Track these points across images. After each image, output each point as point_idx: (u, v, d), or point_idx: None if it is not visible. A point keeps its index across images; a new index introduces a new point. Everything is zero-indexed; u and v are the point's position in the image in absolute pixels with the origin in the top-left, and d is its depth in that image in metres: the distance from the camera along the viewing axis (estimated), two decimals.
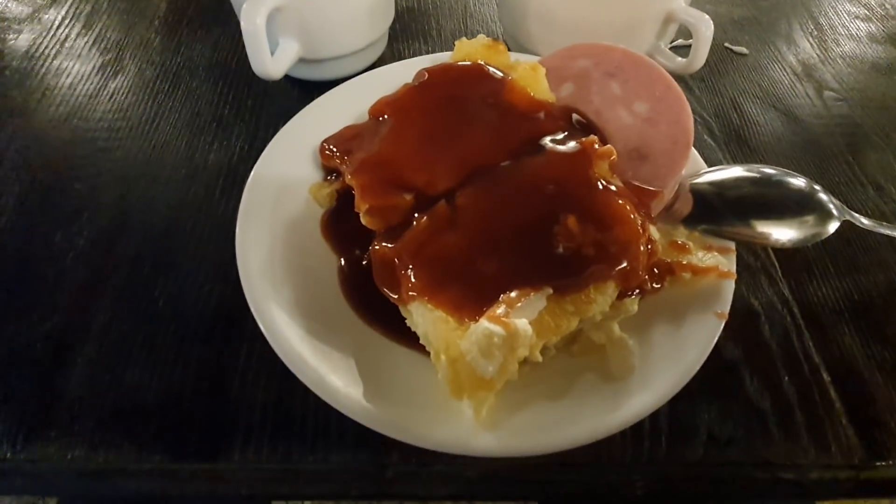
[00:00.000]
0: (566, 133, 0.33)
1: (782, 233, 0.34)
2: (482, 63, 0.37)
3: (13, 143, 0.44)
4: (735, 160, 0.44)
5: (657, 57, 0.43)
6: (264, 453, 0.30)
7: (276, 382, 0.32)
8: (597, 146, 0.31)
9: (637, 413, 0.27)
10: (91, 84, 0.49)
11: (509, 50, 0.38)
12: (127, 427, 0.31)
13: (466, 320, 0.25)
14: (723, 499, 0.31)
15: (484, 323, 0.24)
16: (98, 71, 0.50)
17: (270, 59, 0.39)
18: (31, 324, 0.34)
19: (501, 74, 0.36)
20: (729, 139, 0.45)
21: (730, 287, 0.31)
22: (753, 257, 0.38)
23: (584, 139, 0.32)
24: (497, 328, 0.24)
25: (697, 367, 0.28)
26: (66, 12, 0.56)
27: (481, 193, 0.30)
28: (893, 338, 0.34)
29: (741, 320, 0.35)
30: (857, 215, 0.34)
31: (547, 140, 0.32)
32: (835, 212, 0.34)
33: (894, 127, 0.47)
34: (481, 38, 0.39)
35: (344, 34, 0.43)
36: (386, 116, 0.35)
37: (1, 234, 0.39)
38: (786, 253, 0.38)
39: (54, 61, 0.51)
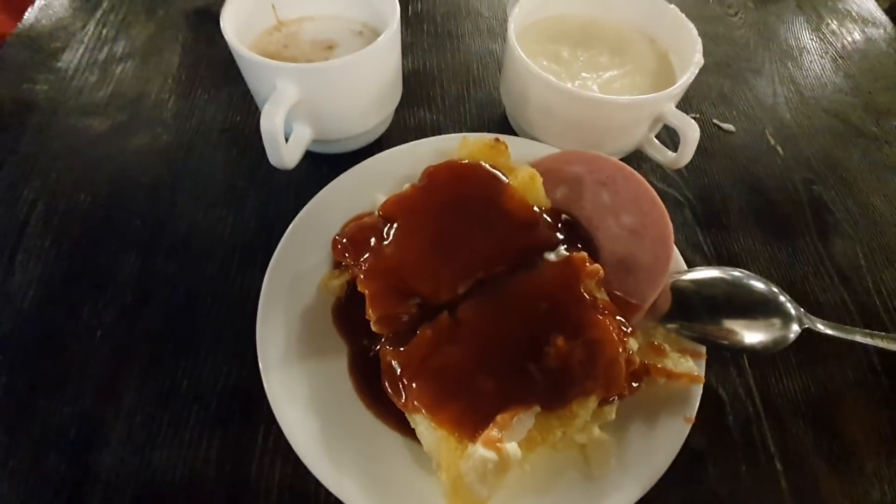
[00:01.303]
0: (560, 245, 0.36)
1: (752, 335, 0.38)
2: (483, 164, 0.40)
3: (36, 209, 0.46)
4: (713, 243, 0.47)
5: (647, 149, 0.46)
6: None
7: (290, 466, 0.36)
8: (587, 264, 0.34)
9: None
10: (109, 146, 0.51)
11: (509, 127, 0.41)
12: None
13: (465, 440, 0.29)
14: None
15: (479, 450, 0.28)
16: (116, 131, 0.52)
17: (286, 149, 0.41)
18: (64, 402, 0.37)
19: (502, 178, 0.39)
20: (710, 223, 0.49)
21: (698, 392, 0.35)
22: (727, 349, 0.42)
23: (575, 255, 0.35)
24: (491, 454, 0.28)
25: (665, 468, 0.32)
26: (80, 60, 0.58)
27: (480, 308, 0.34)
28: (840, 430, 0.39)
29: (709, 409, 0.39)
30: (815, 320, 0.38)
31: (542, 253, 0.35)
32: (794, 314, 0.38)
33: (863, 214, 0.50)
34: (484, 137, 0.41)
35: (353, 120, 0.46)
36: (395, 220, 0.38)
37: (30, 314, 0.41)
38: None
39: (70, 117, 0.53)
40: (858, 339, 0.38)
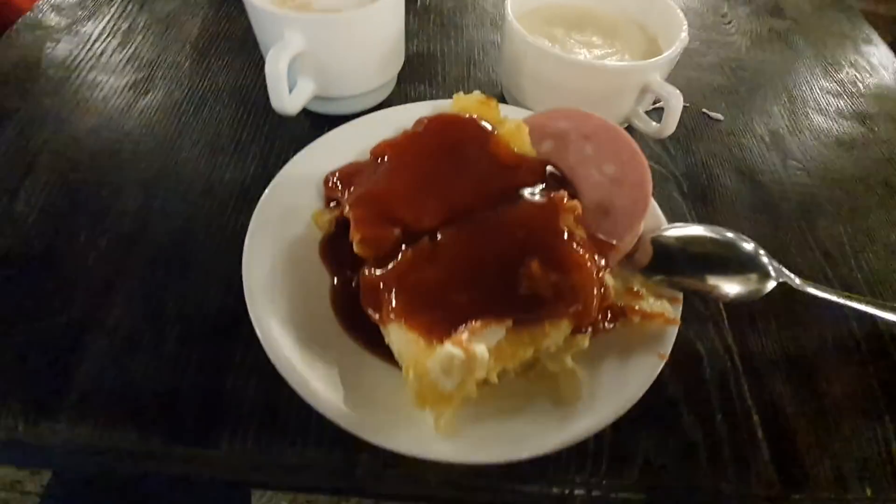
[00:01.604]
0: (541, 186, 0.38)
1: (729, 287, 0.38)
2: (474, 117, 0.42)
3: (46, 148, 0.49)
4: (699, 217, 0.49)
5: (634, 120, 0.48)
6: (249, 444, 0.34)
7: (265, 383, 0.36)
8: (565, 200, 0.36)
9: (580, 434, 0.31)
10: (122, 99, 0.54)
11: (505, 102, 0.44)
12: (130, 412, 0.34)
13: (434, 342, 0.30)
14: None
15: (447, 346, 0.28)
16: (130, 88, 0.55)
17: (288, 97, 0.44)
18: (52, 313, 0.38)
19: (490, 128, 0.41)
20: (696, 198, 0.50)
21: (673, 332, 0.35)
22: (704, 307, 0.42)
23: (554, 193, 0.36)
24: (458, 351, 0.28)
25: (637, 399, 0.32)
26: (104, 27, 0.62)
27: (460, 234, 0.35)
28: (819, 389, 0.38)
29: (686, 361, 0.39)
30: (792, 276, 0.39)
31: (523, 191, 0.37)
32: (772, 273, 0.38)
33: (847, 199, 0.52)
34: (476, 94, 0.44)
35: (356, 78, 0.48)
36: (385, 157, 0.39)
37: (30, 231, 0.43)
38: (734, 305, 0.42)
39: (89, 74, 0.56)
40: (835, 298, 0.39)
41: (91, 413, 0.34)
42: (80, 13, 0.63)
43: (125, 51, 0.59)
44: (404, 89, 0.58)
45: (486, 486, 0.34)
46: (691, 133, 0.56)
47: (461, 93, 0.44)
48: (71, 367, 0.36)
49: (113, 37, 0.61)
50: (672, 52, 0.44)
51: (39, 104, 0.53)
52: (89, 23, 0.62)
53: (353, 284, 0.38)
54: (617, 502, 0.34)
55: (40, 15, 0.62)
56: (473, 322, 0.30)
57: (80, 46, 0.59)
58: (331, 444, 0.34)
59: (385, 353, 0.34)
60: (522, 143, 0.40)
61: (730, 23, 0.72)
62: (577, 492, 0.33)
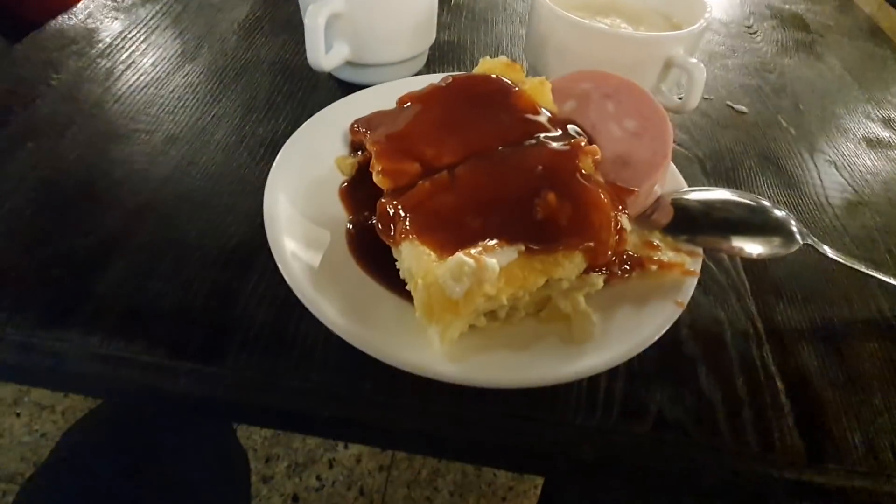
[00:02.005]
0: (561, 134, 0.38)
1: (751, 247, 0.37)
2: (499, 76, 0.43)
3: (93, 98, 0.52)
4: None
5: (657, 96, 0.49)
6: (253, 363, 0.33)
7: (274, 309, 0.36)
8: (583, 144, 0.36)
9: (588, 368, 0.30)
10: (170, 64, 0.57)
11: (527, 76, 0.45)
12: (141, 324, 0.35)
13: (445, 255, 0.29)
14: (663, 478, 0.32)
15: (458, 255, 0.28)
16: (178, 56, 0.59)
17: (324, 54, 0.46)
18: (80, 233, 0.40)
19: (514, 85, 0.42)
20: (718, 178, 0.50)
21: (692, 283, 0.34)
22: (725, 276, 0.41)
23: (574, 139, 0.37)
24: (469, 260, 0.28)
25: (651, 340, 0.31)
26: (159, 9, 0.66)
27: (478, 168, 0.35)
28: (848, 361, 0.36)
29: (705, 324, 0.38)
30: (818, 242, 0.37)
31: (542, 135, 0.37)
32: (799, 237, 0.37)
33: (879, 192, 0.50)
34: (502, 58, 0.45)
35: (388, 45, 0.51)
36: (409, 104, 0.41)
37: (72, 164, 0.45)
38: (757, 276, 0.41)
39: (142, 44, 0.60)
40: (862, 268, 0.37)
41: (103, 324, 0.35)
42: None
43: (176, 27, 0.64)
44: (433, 70, 0.60)
45: (490, 424, 0.32)
46: (715, 123, 0.56)
47: (487, 57, 0.45)
48: (91, 281, 0.37)
49: (165, 16, 0.65)
50: (696, 27, 0.45)
51: (94, 63, 0.56)
52: (146, 6, 0.67)
53: (369, 222, 0.38)
54: (627, 455, 0.32)
55: None
56: (486, 241, 0.30)
57: (136, 23, 0.64)
58: (335, 371, 0.34)
59: (397, 286, 0.34)
60: (545, 100, 0.41)
61: (755, 33, 0.73)
62: (583, 441, 0.32)
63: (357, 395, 0.33)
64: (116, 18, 0.64)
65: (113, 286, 0.37)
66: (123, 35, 0.61)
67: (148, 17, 0.65)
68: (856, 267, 0.37)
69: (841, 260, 0.37)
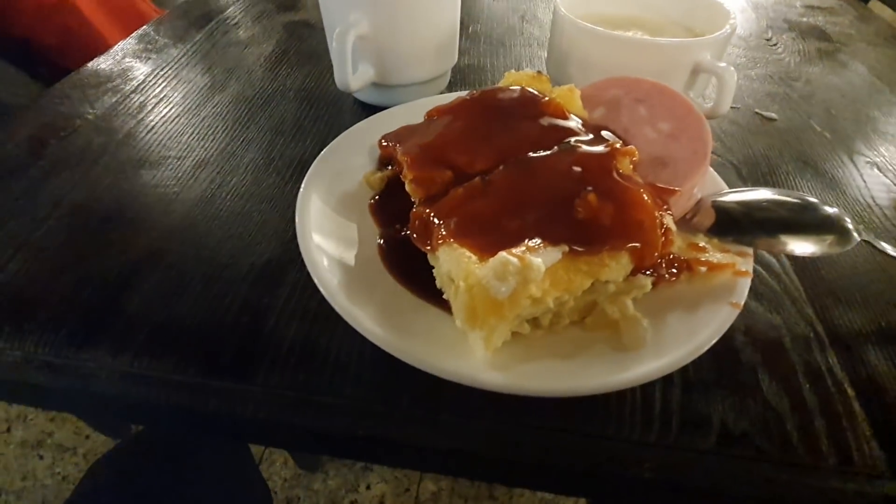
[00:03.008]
0: (594, 137, 0.37)
1: (803, 247, 0.35)
2: (526, 88, 0.43)
3: (126, 129, 0.54)
4: None
5: None
6: (285, 381, 0.32)
7: (306, 325, 0.35)
8: (618, 146, 0.35)
9: (642, 376, 0.28)
10: (200, 96, 0.59)
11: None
12: (171, 343, 0.34)
13: (487, 257, 0.28)
14: (736, 500, 0.29)
15: (502, 254, 0.27)
16: (208, 88, 0.61)
17: (352, 75, 0.47)
18: (111, 255, 0.40)
19: (542, 94, 0.41)
20: (757, 182, 0.48)
21: (745, 283, 0.32)
22: (776, 281, 0.39)
23: (609, 141, 0.36)
24: (513, 259, 0.27)
25: (707, 346, 0.29)
26: (189, 48, 0.69)
27: (513, 172, 0.34)
28: None
29: (762, 330, 0.35)
30: (878, 240, 0.35)
31: (575, 140, 0.36)
32: (854, 233, 0.35)
33: None
34: (528, 70, 0.45)
35: (412, 65, 0.51)
36: (438, 117, 0.41)
37: (104, 189, 0.46)
38: (811, 279, 0.39)
39: (173, 80, 0.62)
40: None
41: (133, 343, 0.34)
42: (170, 38, 0.72)
43: (205, 64, 0.66)
44: (455, 91, 0.60)
45: (536, 442, 0.30)
46: (745, 130, 0.55)
47: (512, 70, 0.46)
48: (121, 301, 0.36)
49: (195, 54, 0.68)
50: (723, 32, 0.45)
51: (127, 98, 0.58)
52: (178, 45, 0.70)
53: (402, 234, 0.37)
54: (693, 473, 0.29)
55: (139, 37, 0.71)
56: (528, 242, 0.29)
57: (168, 61, 0.66)
58: (370, 385, 0.32)
59: (432, 295, 0.33)
60: (575, 106, 0.40)
61: (776, 45, 0.73)
62: (643, 458, 0.29)
63: (393, 411, 0.31)
64: (149, 58, 0.67)
65: (143, 305, 0.36)
66: (155, 73, 0.64)
67: (179, 56, 0.68)
68: None
69: None
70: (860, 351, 0.34)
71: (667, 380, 0.32)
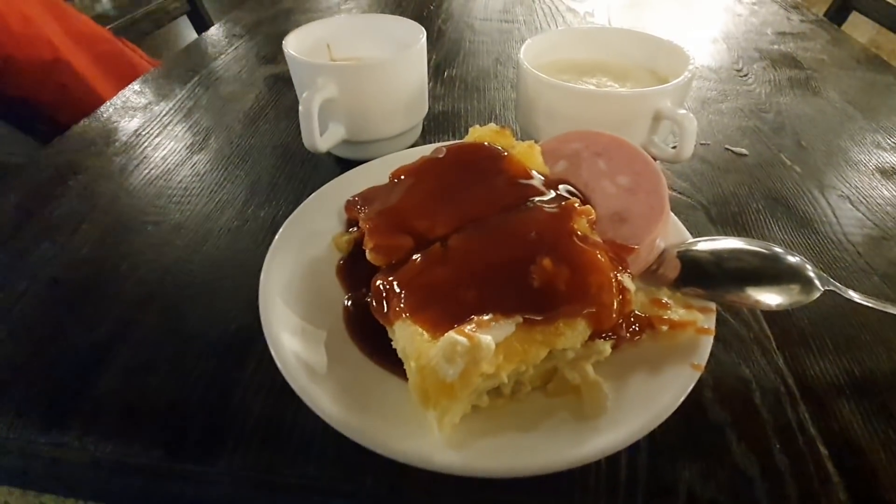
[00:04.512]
0: (554, 195, 0.38)
1: (767, 298, 0.35)
2: (488, 143, 0.43)
3: (108, 194, 0.55)
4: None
5: (650, 148, 0.49)
6: (249, 460, 0.32)
7: (272, 399, 0.35)
8: (577, 205, 0.35)
9: (604, 448, 0.27)
10: (179, 156, 0.60)
11: (518, 139, 0.45)
12: (138, 424, 0.34)
13: (439, 335, 0.28)
14: None
15: (450, 334, 0.27)
16: (187, 147, 0.62)
17: (319, 136, 0.48)
18: (83, 330, 0.40)
19: (504, 151, 0.42)
20: (725, 223, 0.48)
21: (708, 342, 0.32)
22: (746, 328, 0.39)
23: (567, 200, 0.36)
24: (461, 339, 0.27)
25: (669, 412, 0.29)
26: (172, 106, 0.71)
27: (471, 237, 0.35)
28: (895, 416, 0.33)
29: (730, 385, 0.35)
30: (842, 287, 0.35)
31: (535, 199, 0.37)
32: (818, 283, 0.35)
33: (890, 214, 0.48)
34: (491, 125, 0.46)
35: (382, 122, 0.52)
36: (402, 178, 0.41)
37: (82, 260, 0.47)
38: (781, 327, 0.39)
39: (155, 139, 0.64)
40: (891, 310, 0.34)
41: (100, 426, 0.34)
42: (154, 96, 0.74)
43: (188, 121, 0.68)
44: (429, 140, 0.61)
45: None
46: (715, 168, 0.56)
47: (477, 126, 0.46)
48: (91, 380, 0.37)
49: (178, 111, 0.70)
50: (682, 78, 0.46)
51: (110, 161, 0.60)
52: (161, 103, 0.72)
53: (367, 299, 0.38)
54: None
55: (125, 98, 0.73)
56: (480, 316, 0.29)
57: (151, 120, 0.68)
58: (333, 465, 0.32)
59: (395, 365, 0.33)
60: (535, 162, 0.41)
61: (746, 76, 0.74)
62: None
63: (357, 491, 0.31)
64: (134, 117, 0.69)
65: (112, 384, 0.36)
66: (138, 132, 0.65)
67: (162, 114, 0.69)
68: (887, 310, 0.34)
69: (870, 304, 0.35)
70: (832, 404, 0.34)
71: (633, 444, 0.31)
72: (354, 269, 0.40)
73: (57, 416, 0.35)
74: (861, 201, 0.51)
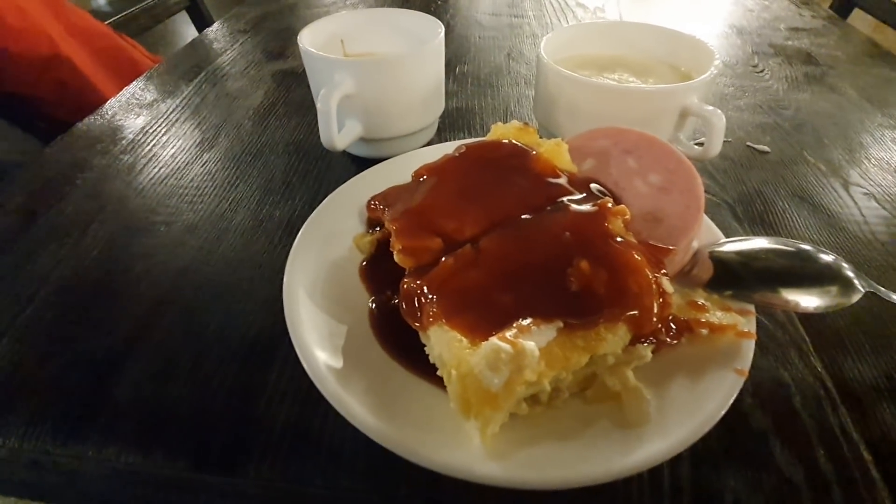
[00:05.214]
0: (584, 195, 0.36)
1: (806, 300, 0.34)
2: (513, 140, 0.42)
3: (116, 193, 0.53)
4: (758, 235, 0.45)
5: (675, 146, 0.48)
6: (277, 471, 0.31)
7: (298, 406, 0.34)
8: (610, 205, 0.34)
9: (650, 459, 0.26)
10: (189, 154, 0.59)
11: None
12: (158, 435, 0.33)
13: (478, 341, 0.27)
14: None
15: (493, 340, 0.26)
16: (197, 145, 0.61)
17: (337, 134, 0.46)
18: (97, 335, 0.39)
19: (530, 150, 0.41)
20: (752, 221, 0.47)
21: (750, 346, 0.31)
22: (781, 331, 0.38)
23: (600, 200, 0.35)
24: (505, 346, 0.26)
25: (715, 420, 0.28)
26: (179, 103, 0.70)
27: (503, 239, 0.33)
28: None
29: (770, 390, 0.34)
30: (883, 289, 0.34)
31: (566, 199, 0.36)
32: (858, 284, 0.34)
33: None
34: (514, 122, 0.45)
35: (398, 120, 0.51)
36: (425, 177, 0.40)
37: (92, 261, 0.45)
38: (817, 329, 0.38)
39: (163, 137, 0.63)
40: None
41: (120, 435, 0.33)
42: (160, 94, 0.72)
43: (195, 119, 0.66)
44: (444, 138, 0.60)
45: None
46: (738, 165, 0.55)
47: (499, 123, 0.45)
48: (108, 387, 0.35)
49: (185, 108, 0.68)
50: (708, 74, 0.45)
51: (117, 160, 0.58)
52: (168, 100, 0.71)
53: (393, 302, 0.37)
54: None
55: (130, 95, 0.72)
56: (520, 321, 0.28)
57: (158, 117, 0.66)
58: (365, 475, 0.30)
59: (426, 370, 0.32)
60: (563, 160, 0.40)
61: (762, 71, 0.73)
62: None
63: (390, 501, 0.30)
64: (140, 115, 0.67)
65: (131, 391, 0.35)
66: (145, 130, 0.64)
67: (168, 111, 0.68)
68: None
69: None
70: (874, 408, 0.33)
71: None
72: (378, 271, 0.39)
73: (72, 425, 0.33)
74: (886, 199, 0.50)
